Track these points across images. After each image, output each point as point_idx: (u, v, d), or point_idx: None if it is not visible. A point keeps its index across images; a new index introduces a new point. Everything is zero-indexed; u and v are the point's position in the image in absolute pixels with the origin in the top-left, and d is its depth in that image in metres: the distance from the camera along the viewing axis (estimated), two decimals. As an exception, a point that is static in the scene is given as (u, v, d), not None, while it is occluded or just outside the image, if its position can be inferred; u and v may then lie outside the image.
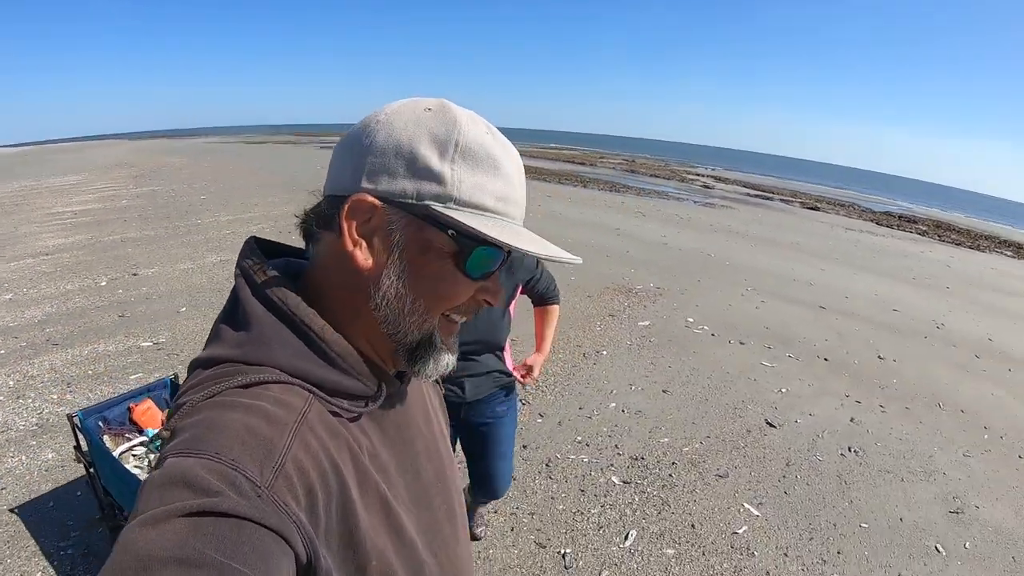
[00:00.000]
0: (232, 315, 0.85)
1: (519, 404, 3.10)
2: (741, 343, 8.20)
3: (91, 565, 3.47)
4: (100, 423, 3.55)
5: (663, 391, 6.43)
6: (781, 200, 33.43)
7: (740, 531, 4.32)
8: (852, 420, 6.32)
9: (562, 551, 3.93)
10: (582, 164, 42.35)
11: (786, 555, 4.13)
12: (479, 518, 3.99)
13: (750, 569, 3.95)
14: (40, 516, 3.85)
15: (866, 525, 4.58)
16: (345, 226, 0.82)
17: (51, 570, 3.42)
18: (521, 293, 3.00)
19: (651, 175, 39.73)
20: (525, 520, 4.21)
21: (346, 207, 0.81)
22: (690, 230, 17.59)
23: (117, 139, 62.92)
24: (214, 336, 0.86)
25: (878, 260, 16.93)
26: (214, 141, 45.19)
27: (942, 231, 28.74)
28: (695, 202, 26.71)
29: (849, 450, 5.67)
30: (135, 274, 8.69)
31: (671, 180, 37.69)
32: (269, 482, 0.67)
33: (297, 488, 0.70)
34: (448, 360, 0.93)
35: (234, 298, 0.87)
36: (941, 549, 4.45)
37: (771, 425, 5.96)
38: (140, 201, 14.64)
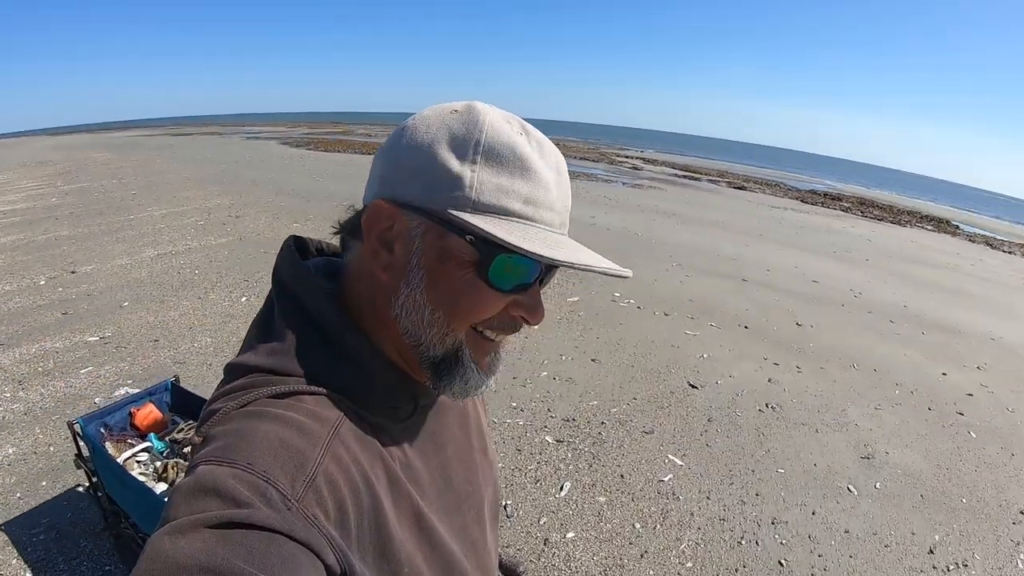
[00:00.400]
0: (267, 323, 0.87)
1: None
2: (666, 314, 8.69)
3: (64, 547, 3.61)
4: (102, 429, 3.53)
5: (592, 360, 6.85)
6: (709, 180, 34.32)
7: (666, 479, 4.75)
8: (770, 380, 6.86)
9: (503, 503, 4.31)
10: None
11: (708, 498, 4.58)
12: None
13: (675, 511, 4.39)
14: (8, 507, 3.96)
15: (782, 470, 5.07)
16: (366, 233, 0.82)
17: (26, 556, 3.56)
18: None
19: (580, 158, 40.27)
20: (466, 479, 4.57)
21: (365, 214, 0.82)
22: (618, 211, 18.13)
23: (22, 137, 60.85)
24: (248, 343, 0.87)
25: (801, 236, 17.74)
26: (136, 135, 44.01)
27: (865, 207, 29.99)
28: (624, 184, 27.36)
29: (767, 406, 6.19)
30: (73, 272, 8.64)
31: (600, 163, 38.32)
32: (300, 495, 0.68)
33: (327, 502, 0.71)
34: (479, 381, 0.90)
35: (269, 305, 0.89)
36: (853, 489, 4.95)
37: (693, 387, 6.44)
38: (70, 199, 14.30)
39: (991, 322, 10.87)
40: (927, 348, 8.78)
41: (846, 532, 4.41)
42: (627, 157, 45.83)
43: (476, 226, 0.76)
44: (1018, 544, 4.58)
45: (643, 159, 45.84)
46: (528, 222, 0.80)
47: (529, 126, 0.84)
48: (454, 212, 0.77)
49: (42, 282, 8.26)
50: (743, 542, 4.16)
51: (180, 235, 11.01)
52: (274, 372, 0.80)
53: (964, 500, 5.04)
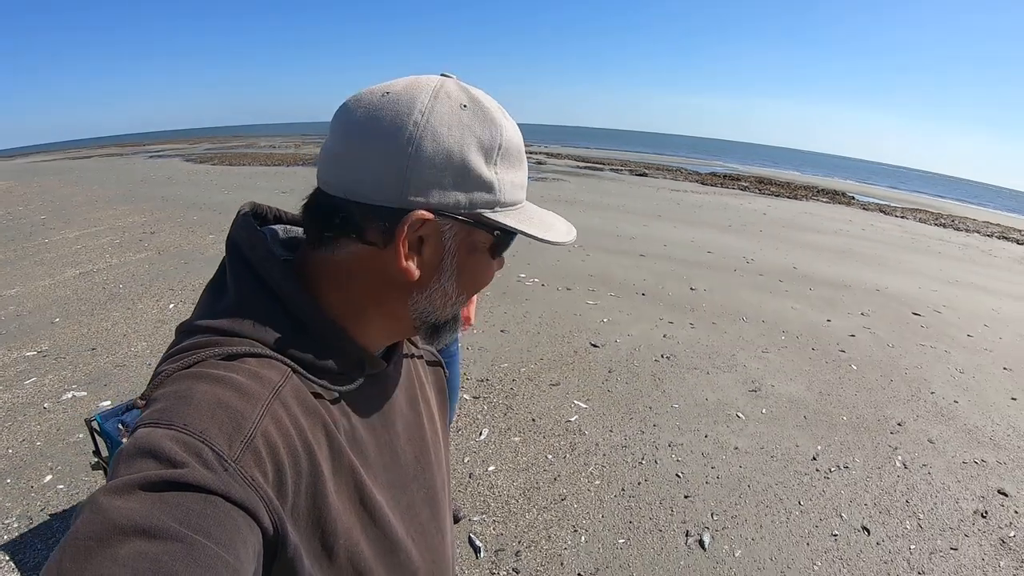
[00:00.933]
0: (219, 285, 0.88)
1: None
2: (568, 289, 9.42)
3: (39, 531, 3.84)
4: (119, 426, 3.55)
5: (501, 331, 7.48)
6: (611, 170, 35.36)
7: (572, 419, 5.43)
8: (665, 336, 7.64)
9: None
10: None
11: (611, 431, 5.26)
12: None
13: (582, 443, 5.06)
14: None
15: (677, 406, 5.81)
16: (399, 239, 0.82)
17: (2, 542, 3.76)
18: None
19: (483, 157, 40.67)
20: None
21: (404, 226, 0.81)
22: (521, 202, 18.62)
23: None
24: (200, 305, 0.88)
25: (698, 214, 18.79)
26: (30, 161, 41.74)
27: (763, 185, 31.43)
28: (529, 177, 27.68)
29: (662, 357, 6.95)
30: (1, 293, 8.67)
31: (504, 160, 38.78)
32: (237, 455, 0.69)
33: (266, 463, 0.72)
34: (459, 328, 1.00)
35: (222, 269, 0.89)
36: (741, 416, 5.72)
37: (595, 346, 7.16)
38: None
39: (877, 276, 12.01)
40: (814, 301, 9.74)
41: (736, 449, 5.14)
42: (531, 153, 46.48)
43: (507, 225, 0.85)
44: (896, 449, 5.39)
45: (547, 154, 46.62)
46: (523, 204, 0.90)
47: (499, 105, 0.88)
48: (487, 214, 0.84)
49: (-22, 306, 8.30)
50: (643, 462, 4.85)
51: (98, 254, 10.95)
52: (222, 333, 0.81)
53: (845, 418, 5.85)
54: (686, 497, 4.46)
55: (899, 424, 5.84)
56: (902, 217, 24.66)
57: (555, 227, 0.92)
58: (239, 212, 0.92)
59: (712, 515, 4.28)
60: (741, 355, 7.18)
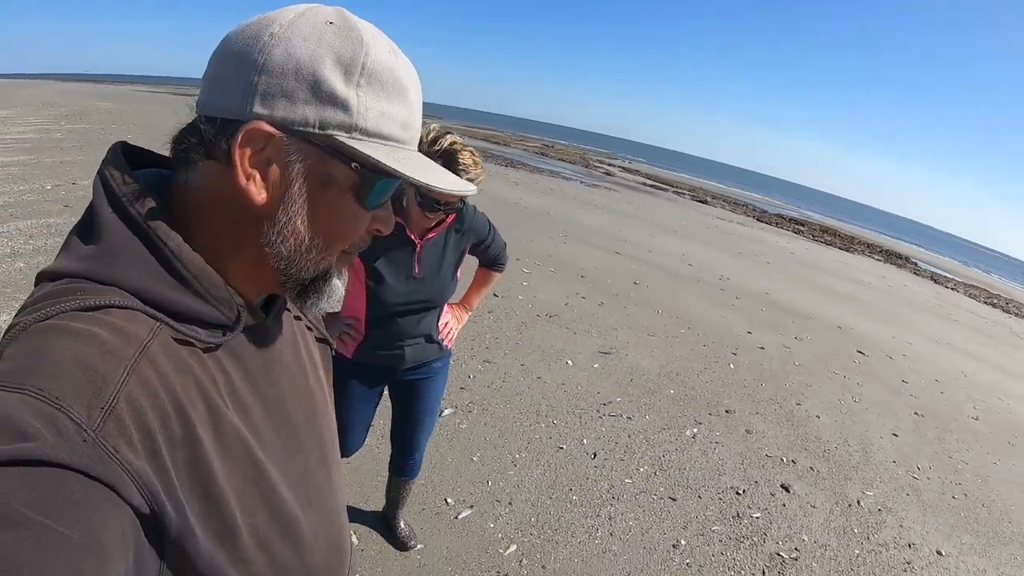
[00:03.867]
0: (86, 226, 0.80)
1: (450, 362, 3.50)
2: (516, 259, 10.18)
3: None
4: None
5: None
6: (674, 192, 36.15)
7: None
8: (567, 304, 8.59)
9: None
10: (496, 143, 43.35)
11: (455, 356, 6.22)
12: (403, 523, 3.79)
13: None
14: None
15: (519, 344, 6.81)
16: (238, 157, 0.78)
17: None
18: (469, 254, 3.07)
19: (559, 158, 42.43)
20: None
21: (240, 137, 0.77)
22: (552, 198, 19.84)
23: (31, 79, 60.48)
24: (64, 247, 0.80)
25: (718, 238, 19.42)
26: (140, 89, 43.80)
27: (823, 234, 31.55)
28: (581, 182, 29.11)
29: (545, 315, 7.92)
30: (74, 183, 10.21)
31: (576, 165, 40.37)
32: (97, 424, 0.63)
33: (131, 432, 0.67)
34: (340, 293, 0.95)
35: (90, 208, 0.81)
36: (571, 363, 6.62)
37: (495, 296, 8.12)
38: (73, 136, 15.76)
39: (853, 318, 12.18)
40: (752, 317, 10.27)
41: (538, 378, 6.08)
42: (609, 164, 47.80)
43: (367, 155, 0.80)
44: (699, 424, 5.94)
45: (623, 168, 47.95)
46: (402, 145, 0.86)
47: (393, 43, 0.86)
48: (341, 137, 0.79)
49: (48, 187, 9.88)
50: (451, 366, 5.81)
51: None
52: (87, 278, 0.74)
53: (672, 391, 6.54)
54: (461, 389, 5.48)
55: (727, 411, 6.34)
56: (952, 289, 23.94)
57: (438, 173, 0.91)
58: (109, 151, 0.86)
59: (468, 403, 5.28)
60: (623, 331, 7.97)
